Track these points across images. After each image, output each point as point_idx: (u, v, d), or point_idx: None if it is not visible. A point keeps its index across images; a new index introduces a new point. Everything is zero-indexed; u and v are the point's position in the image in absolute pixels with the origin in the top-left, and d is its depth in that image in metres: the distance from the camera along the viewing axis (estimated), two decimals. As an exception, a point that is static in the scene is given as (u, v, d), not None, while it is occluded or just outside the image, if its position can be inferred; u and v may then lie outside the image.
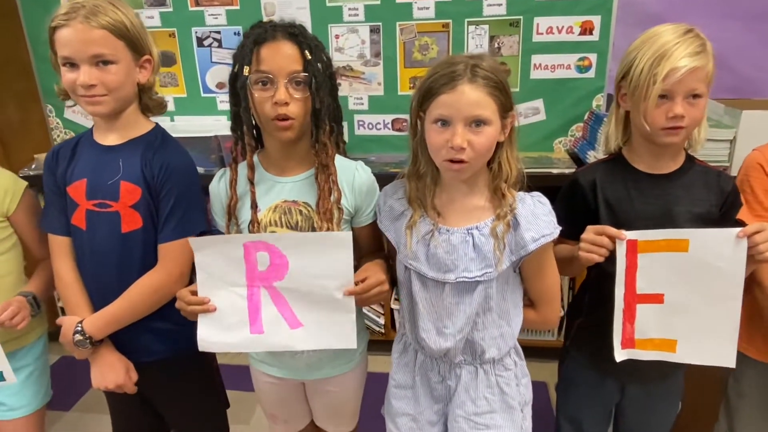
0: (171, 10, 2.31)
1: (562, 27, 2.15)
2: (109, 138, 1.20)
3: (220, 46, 2.34)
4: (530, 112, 2.29)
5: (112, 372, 1.22)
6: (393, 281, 1.21)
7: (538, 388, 2.21)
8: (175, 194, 1.18)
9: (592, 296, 1.28)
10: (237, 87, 1.11)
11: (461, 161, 1.01)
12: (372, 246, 1.29)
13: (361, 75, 2.32)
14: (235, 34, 2.31)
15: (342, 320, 1.10)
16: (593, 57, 2.18)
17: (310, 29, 2.22)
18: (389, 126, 2.39)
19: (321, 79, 1.11)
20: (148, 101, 1.23)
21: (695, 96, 1.08)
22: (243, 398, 1.62)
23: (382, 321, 2.45)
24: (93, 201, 1.18)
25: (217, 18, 2.30)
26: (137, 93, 1.20)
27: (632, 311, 1.13)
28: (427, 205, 1.12)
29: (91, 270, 1.22)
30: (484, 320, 1.12)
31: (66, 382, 1.43)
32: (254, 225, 1.17)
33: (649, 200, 1.17)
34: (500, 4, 2.15)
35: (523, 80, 2.24)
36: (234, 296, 1.10)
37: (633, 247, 1.09)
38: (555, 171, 2.09)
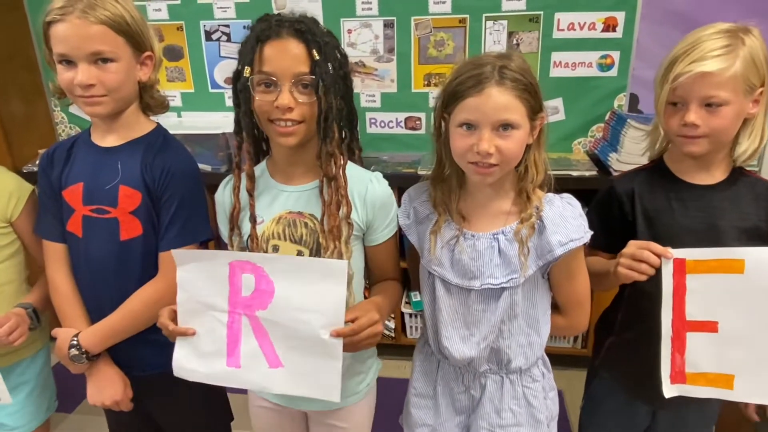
0: (179, 2, 2.25)
1: (584, 23, 2.06)
2: (107, 139, 1.13)
3: (229, 40, 2.28)
4: (549, 111, 2.11)
5: (110, 387, 1.16)
6: (412, 287, 1.14)
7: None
8: (178, 199, 1.11)
9: (626, 314, 1.19)
10: (238, 87, 1.02)
11: (490, 165, 0.97)
12: (387, 269, 1.17)
13: (374, 71, 2.24)
14: (244, 27, 2.23)
15: (326, 367, 0.95)
16: (616, 55, 2.08)
17: (321, 23, 2.15)
18: (402, 124, 2.31)
19: (330, 81, 1.00)
20: (149, 100, 1.16)
21: (715, 104, 0.99)
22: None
23: (392, 325, 2.38)
24: (90, 206, 1.11)
25: (225, 11, 2.23)
26: (138, 92, 1.13)
27: (682, 340, 1.03)
28: (452, 209, 1.07)
29: (87, 280, 1.15)
30: (510, 328, 1.07)
31: (69, 384, 1.39)
32: (253, 240, 1.07)
33: (691, 213, 1.08)
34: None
35: (542, 78, 2.14)
36: (214, 321, 1.00)
37: (681, 267, 0.99)
38: (575, 173, 2.00)
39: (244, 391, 1.42)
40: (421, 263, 1.12)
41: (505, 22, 2.10)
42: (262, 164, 1.13)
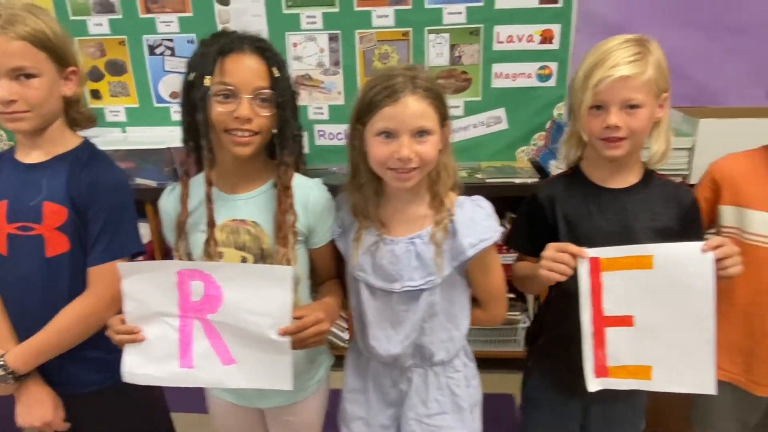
0: (120, 17, 2.22)
1: (522, 35, 2.13)
2: (31, 155, 1.11)
3: (173, 54, 2.26)
4: (492, 121, 2.26)
5: (39, 408, 1.13)
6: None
7: (505, 400, 2.18)
8: (105, 214, 1.10)
9: (554, 314, 1.24)
10: (194, 97, 1.05)
11: (410, 169, 1.03)
12: (330, 269, 1.24)
13: (321, 84, 2.26)
14: (188, 42, 2.23)
15: (277, 361, 1.02)
16: (554, 66, 2.16)
17: (266, 37, 2.18)
18: (350, 136, 2.33)
19: (287, 98, 1.08)
20: (75, 115, 1.14)
21: (633, 106, 1.05)
22: (200, 422, 1.54)
23: (346, 336, 2.38)
24: (14, 224, 1.09)
25: (169, 25, 2.22)
26: (63, 107, 1.12)
27: (601, 336, 1.07)
28: (371, 216, 1.13)
29: (14, 298, 1.12)
30: (432, 325, 1.14)
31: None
32: (210, 243, 1.10)
33: (607, 216, 1.14)
34: (460, 13, 2.12)
35: (485, 89, 2.21)
36: (165, 326, 1.03)
37: (596, 266, 1.04)
38: (517, 181, 2.06)
39: (198, 410, 1.42)
40: (347, 269, 1.18)
41: (447, 35, 2.15)
42: (201, 175, 1.14)
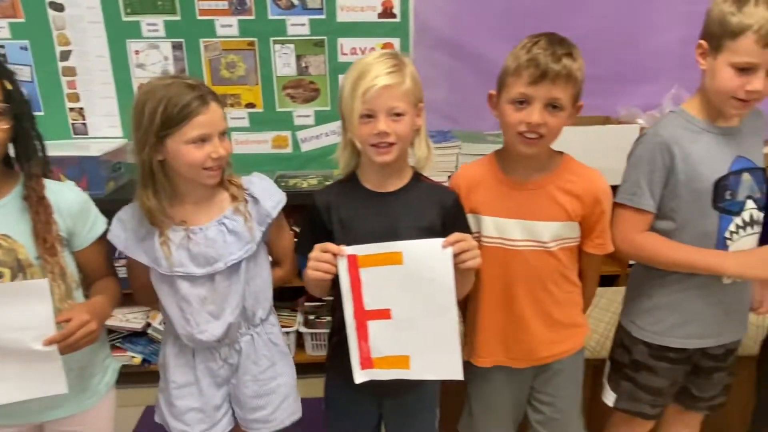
0: (-54, 21, 2.09)
1: (365, 48, 2.20)
2: None
3: (5, 61, 2.14)
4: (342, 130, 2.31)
5: None
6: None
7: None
8: None
9: (340, 314, 1.28)
10: None
11: (219, 166, 1.19)
12: (101, 268, 1.27)
13: (167, 93, 2.23)
14: (21, 48, 2.13)
15: (47, 369, 1.05)
16: (397, 77, 2.25)
17: (105, 44, 2.09)
18: (202, 145, 2.31)
19: (24, 109, 1.11)
20: None
21: (397, 114, 1.13)
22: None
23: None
24: None
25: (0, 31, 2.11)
26: None
27: (364, 329, 1.14)
28: (174, 216, 1.21)
29: None
30: (251, 289, 1.27)
31: None
32: None
33: (376, 218, 1.20)
34: (303, 24, 2.16)
35: (333, 100, 2.25)
36: None
37: (354, 262, 1.11)
38: None
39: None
40: (153, 275, 1.23)
41: (292, 46, 2.19)
42: None
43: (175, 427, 1.32)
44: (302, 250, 1.24)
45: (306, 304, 2.32)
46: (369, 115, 1.12)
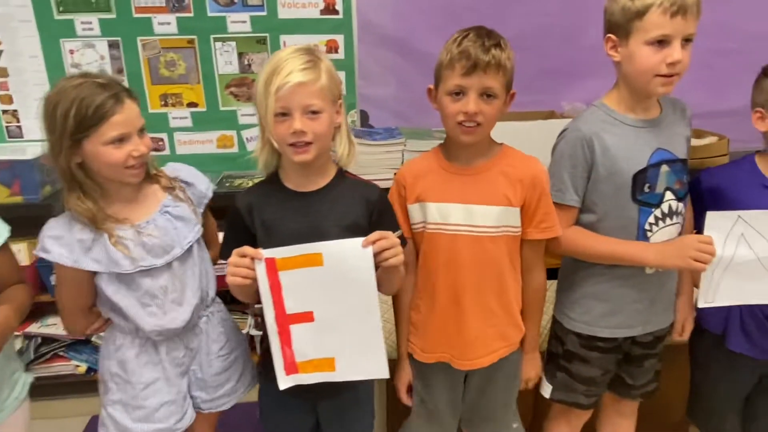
0: None
1: (308, 45, 2.18)
2: None
3: (-70, 61, 2.06)
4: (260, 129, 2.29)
5: None
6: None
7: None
8: None
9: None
10: None
11: (142, 164, 1.19)
12: (9, 277, 1.23)
13: (105, 93, 2.17)
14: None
15: None
16: (342, 75, 2.23)
17: (38, 44, 2.03)
18: (144, 146, 2.25)
19: None
20: None
21: (313, 112, 1.11)
22: None
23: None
24: None
25: None
26: None
27: (287, 333, 1.11)
28: (117, 215, 1.21)
29: None
30: (202, 269, 1.30)
31: None
32: None
33: (299, 218, 1.18)
34: (245, 21, 2.13)
35: (278, 97, 2.23)
36: None
37: (272, 266, 1.08)
38: None
39: None
40: (103, 282, 1.21)
41: (233, 44, 2.16)
42: None
43: (147, 430, 1.27)
44: (225, 255, 1.19)
45: (257, 306, 2.27)
46: (284, 114, 1.10)
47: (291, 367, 1.12)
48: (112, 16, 2.07)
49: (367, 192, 1.22)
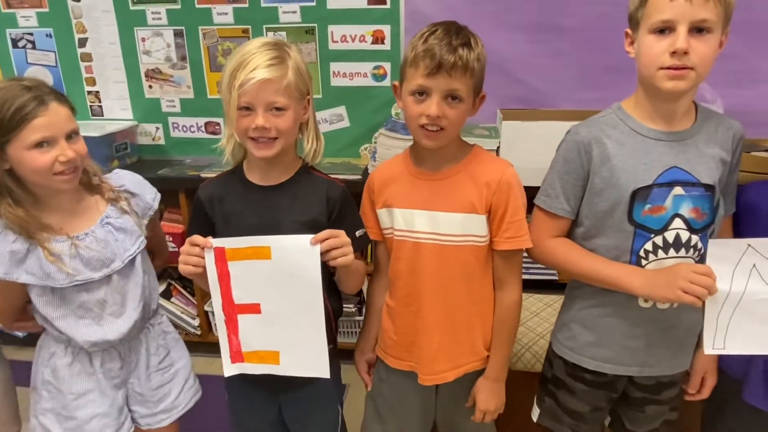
0: (-16, 11, 2.35)
1: (355, 36, 2.18)
2: None
3: (34, 47, 2.37)
4: (334, 118, 2.31)
5: None
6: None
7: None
8: None
9: None
10: None
11: (74, 169, 1.14)
12: None
13: (170, 78, 2.35)
14: (47, 36, 2.34)
15: None
16: (387, 66, 2.20)
17: (116, 32, 2.22)
18: (203, 129, 2.41)
19: None
20: None
21: (277, 108, 1.10)
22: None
23: (196, 323, 2.47)
24: None
25: (28, 20, 2.33)
26: None
27: (234, 322, 1.13)
28: (51, 226, 1.16)
29: None
30: (145, 280, 1.29)
31: None
32: None
33: (259, 212, 1.18)
34: (295, 12, 2.18)
35: (325, 87, 2.26)
36: None
37: (221, 255, 1.09)
38: (352, 177, 2.07)
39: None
40: (36, 293, 1.18)
41: (284, 33, 2.21)
42: None
43: None
44: None
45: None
46: (248, 108, 1.10)
47: (237, 356, 1.15)
48: (178, 6, 2.23)
49: (329, 189, 1.20)
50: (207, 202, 1.22)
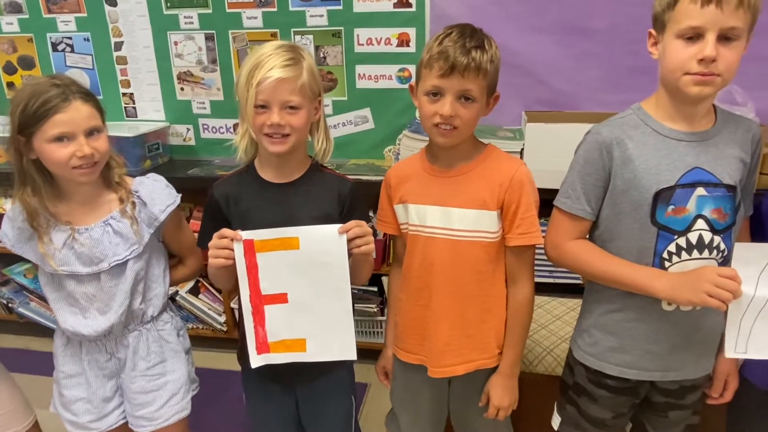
0: (27, 16, 2.44)
1: (381, 38, 2.20)
2: None
3: (72, 51, 2.47)
4: (359, 120, 2.34)
5: None
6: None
7: (360, 388, 2.26)
8: None
9: None
10: None
11: (94, 164, 1.20)
12: None
13: (201, 80, 2.41)
14: (84, 39, 2.44)
15: None
16: (412, 68, 2.22)
17: (150, 36, 2.30)
18: (231, 130, 2.47)
19: None
20: None
21: (292, 107, 1.14)
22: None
23: (222, 319, 2.52)
24: None
25: (67, 24, 2.43)
26: None
27: (261, 314, 1.17)
28: (55, 215, 1.23)
29: None
30: (140, 288, 1.31)
31: None
32: None
33: (274, 208, 1.23)
34: (321, 15, 2.21)
35: (350, 89, 2.29)
36: None
37: (250, 247, 1.13)
38: (375, 178, 2.09)
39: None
40: (40, 272, 1.28)
41: (311, 37, 2.25)
42: None
43: (64, 416, 1.36)
44: (202, 243, 1.24)
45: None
46: (264, 106, 1.14)
47: (263, 347, 1.18)
48: (209, 11, 2.29)
49: (340, 186, 1.25)
50: (223, 201, 1.26)
